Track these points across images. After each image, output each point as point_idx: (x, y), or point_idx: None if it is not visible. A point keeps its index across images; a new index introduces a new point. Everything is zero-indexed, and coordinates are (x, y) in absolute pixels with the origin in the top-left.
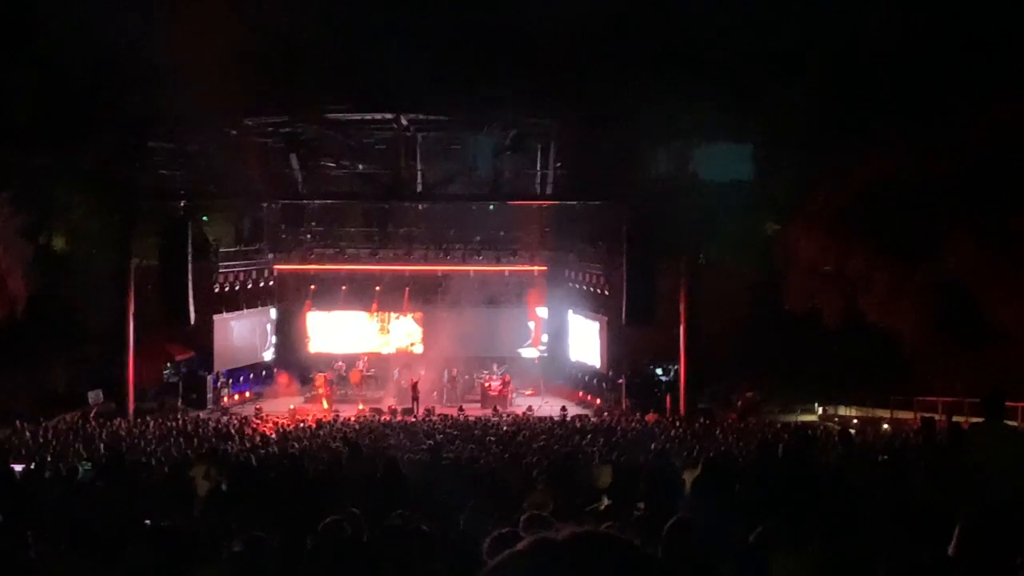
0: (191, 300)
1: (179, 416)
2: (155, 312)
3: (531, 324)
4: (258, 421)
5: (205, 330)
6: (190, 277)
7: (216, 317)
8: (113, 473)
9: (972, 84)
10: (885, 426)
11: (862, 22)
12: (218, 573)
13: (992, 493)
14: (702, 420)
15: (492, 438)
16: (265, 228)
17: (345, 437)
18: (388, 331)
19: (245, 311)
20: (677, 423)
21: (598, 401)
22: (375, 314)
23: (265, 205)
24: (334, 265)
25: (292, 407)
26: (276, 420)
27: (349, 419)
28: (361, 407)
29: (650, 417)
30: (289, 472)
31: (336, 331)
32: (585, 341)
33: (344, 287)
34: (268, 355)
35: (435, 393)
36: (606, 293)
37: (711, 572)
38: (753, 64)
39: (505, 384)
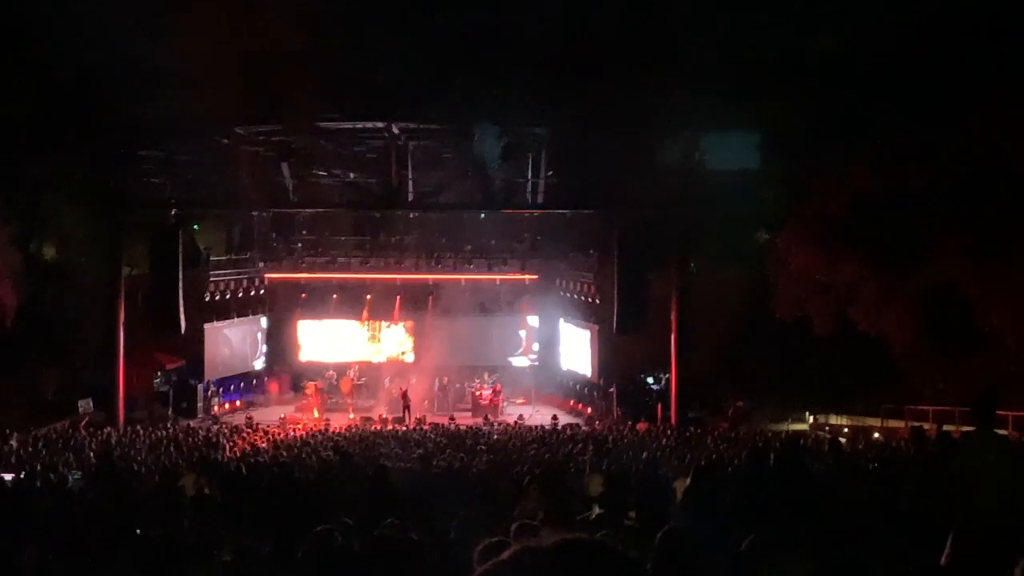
0: (181, 309)
1: (169, 425)
2: (145, 321)
3: (522, 333)
4: (249, 430)
5: (196, 339)
6: (180, 286)
7: (207, 326)
8: (103, 482)
9: (961, 94)
10: (876, 435)
11: (851, 33)
12: None
13: (983, 502)
14: (693, 429)
15: (483, 447)
16: (256, 237)
17: (336, 446)
18: (379, 340)
19: (236, 320)
20: (668, 432)
21: (589, 410)
22: (366, 323)
23: (256, 214)
24: (325, 274)
25: (283, 416)
26: (267, 429)
27: (340, 428)
28: (352, 416)
29: (641, 426)
30: (279, 481)
31: (327, 340)
32: (576, 350)
33: (335, 296)
34: (259, 364)
35: (426, 402)
36: (597, 302)
37: None
38: (744, 75)
39: (496, 393)
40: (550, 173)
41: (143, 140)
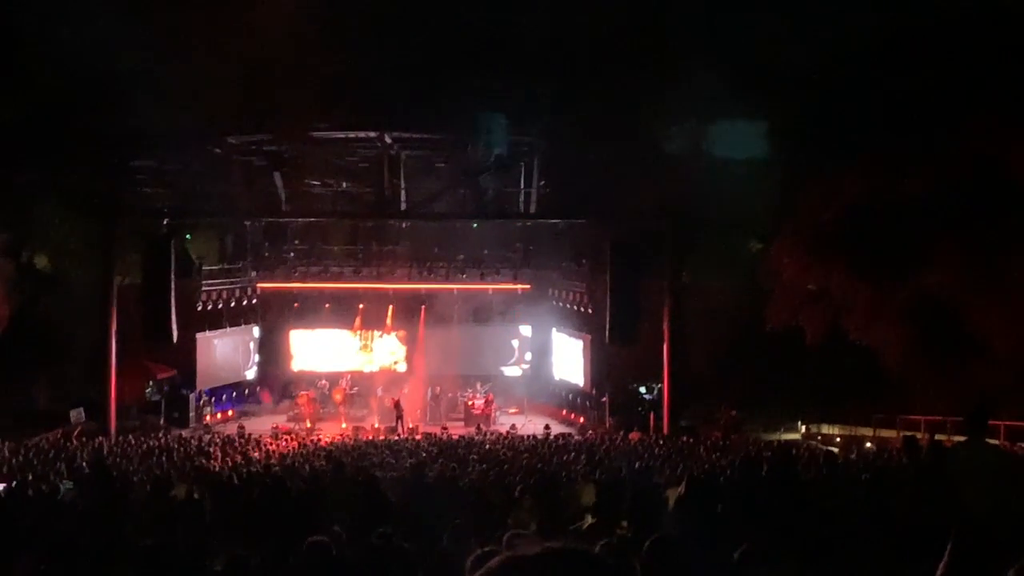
0: (174, 318)
1: (161, 435)
2: (137, 330)
3: (515, 342)
4: (241, 440)
5: (188, 348)
6: (173, 295)
7: (199, 335)
8: (95, 492)
9: (952, 103)
10: (868, 444)
11: (843, 41)
12: None
13: (976, 512)
14: (685, 438)
15: (475, 456)
16: (248, 246)
17: (328, 455)
18: (371, 349)
19: (228, 329)
20: (660, 441)
21: (582, 419)
22: (358, 332)
23: (248, 223)
24: (317, 283)
25: (275, 426)
26: (259, 438)
27: (332, 438)
28: (344, 425)
29: (633, 435)
30: (271, 490)
31: (319, 349)
32: (569, 359)
33: (327, 305)
34: (251, 373)
35: (418, 411)
36: (590, 311)
37: None
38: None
39: (489, 403)
40: (543, 183)
41: (135, 150)
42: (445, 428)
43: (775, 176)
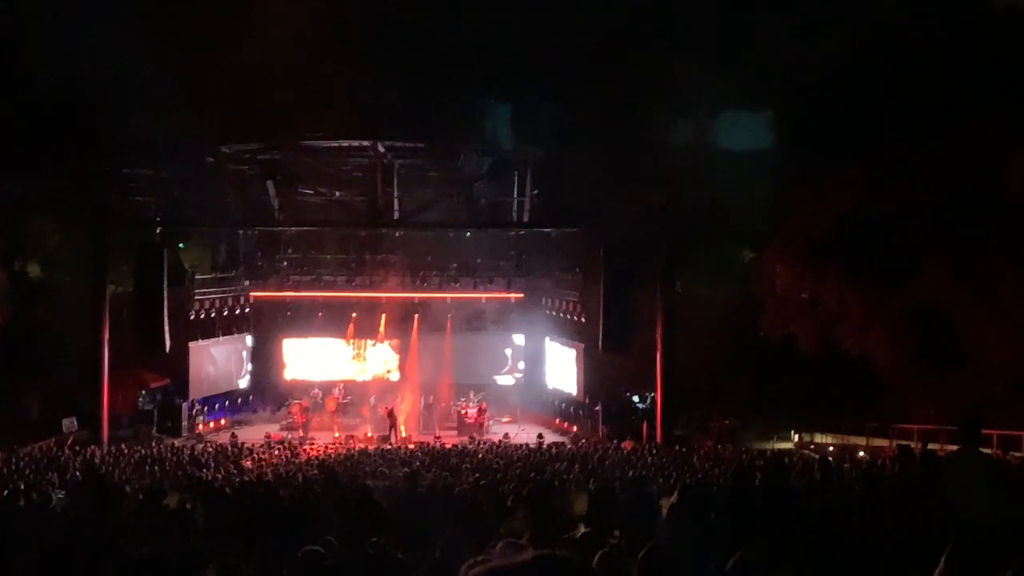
0: (166, 327)
1: (154, 444)
2: (130, 339)
3: (508, 351)
4: (234, 449)
5: (180, 357)
6: (165, 304)
7: (192, 344)
8: (87, 501)
9: (946, 113)
10: (861, 453)
11: (835, 53)
12: None
13: (969, 521)
14: (678, 447)
15: (468, 465)
16: (241, 255)
17: (321, 464)
18: (364, 358)
19: (221, 338)
20: (654, 450)
21: (575, 428)
22: (351, 341)
23: (241, 232)
24: (310, 292)
25: (268, 434)
26: (252, 447)
27: (325, 447)
28: (337, 434)
29: (627, 444)
30: (264, 499)
31: (312, 358)
32: (562, 368)
33: (320, 314)
34: (244, 382)
35: (412, 420)
36: (583, 320)
37: None
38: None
39: (482, 411)
40: (536, 192)
41: (128, 158)
42: (438, 437)
43: (768, 185)
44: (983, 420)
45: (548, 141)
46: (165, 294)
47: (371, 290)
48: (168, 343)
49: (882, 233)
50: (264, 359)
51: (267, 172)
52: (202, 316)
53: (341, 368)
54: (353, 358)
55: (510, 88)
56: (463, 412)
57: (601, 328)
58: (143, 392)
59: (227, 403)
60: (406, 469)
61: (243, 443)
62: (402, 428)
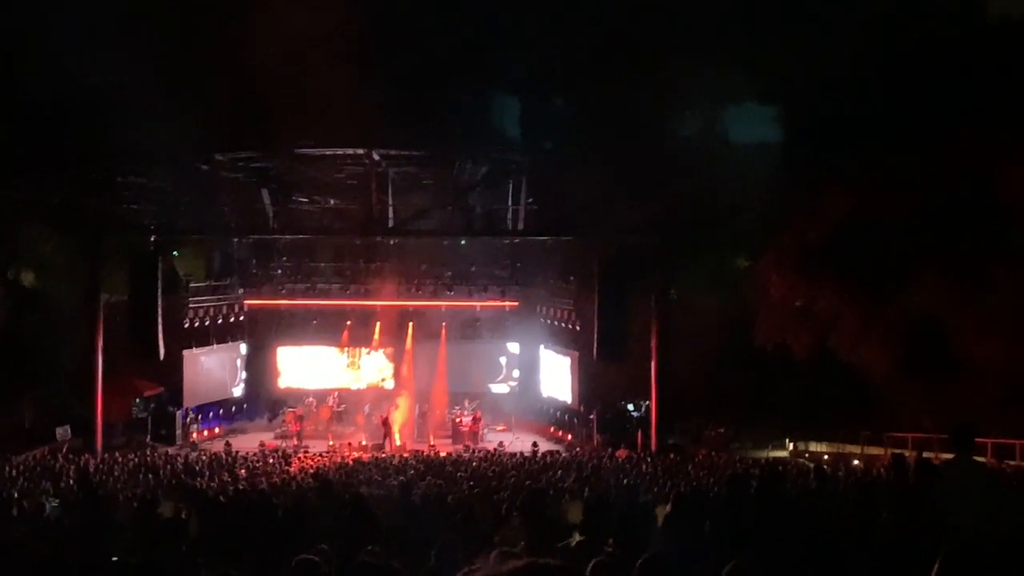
0: (160, 335)
1: (148, 452)
2: (124, 347)
3: (502, 359)
4: (228, 457)
5: (174, 365)
6: (160, 312)
7: (186, 352)
8: (81, 510)
9: (939, 122)
10: (856, 462)
11: (829, 62)
12: None
13: (963, 530)
14: (673, 456)
15: (463, 474)
16: (236, 263)
17: (315, 473)
18: (359, 366)
19: (215, 346)
20: (648, 459)
21: (569, 436)
22: (346, 349)
23: (236, 240)
24: (305, 300)
25: (262, 443)
26: (246, 456)
27: (319, 455)
28: (331, 443)
29: (621, 453)
30: (258, 508)
31: (306, 366)
32: (557, 376)
33: (315, 322)
34: (238, 391)
35: (406, 429)
36: (578, 328)
37: None
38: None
39: (476, 420)
40: (530, 200)
41: (122, 166)
42: (433, 446)
43: (763, 194)
44: (977, 429)
45: (543, 149)
46: (159, 302)
47: (366, 298)
48: (162, 351)
49: (876, 242)
50: (258, 367)
51: (262, 180)
52: (196, 324)
53: (336, 376)
54: (348, 366)
55: (504, 97)
56: (458, 421)
57: (596, 336)
58: (137, 400)
59: (221, 411)
60: (401, 478)
61: (237, 451)
62: (397, 436)
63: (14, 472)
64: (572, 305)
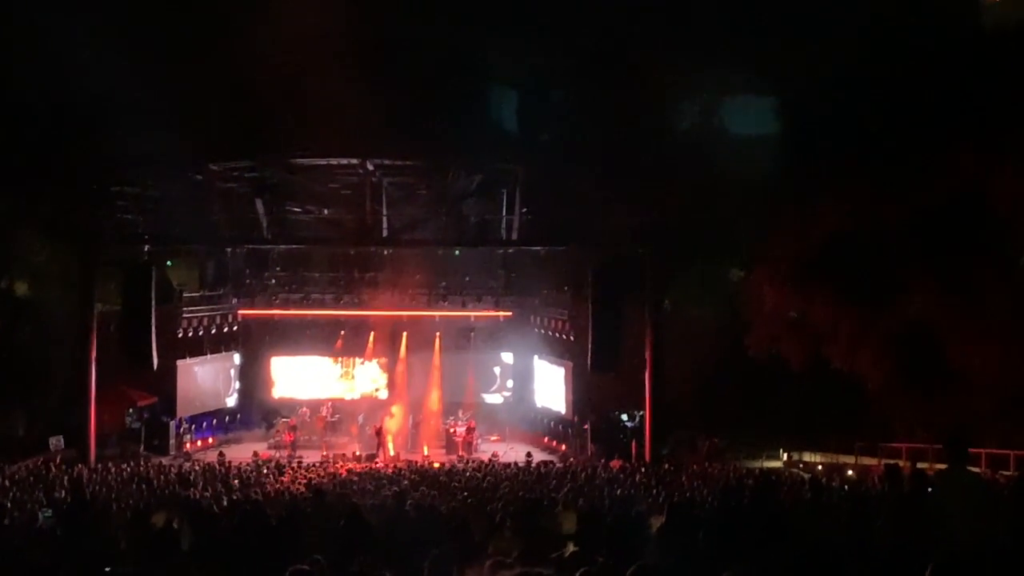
0: (154, 345)
1: (141, 462)
2: (118, 357)
3: (496, 369)
4: (221, 468)
5: (168, 375)
6: (153, 322)
7: (179, 362)
8: (74, 520)
9: (933, 132)
10: (850, 472)
11: (821, 72)
12: None
13: (957, 540)
14: (667, 466)
15: (457, 484)
16: (229, 273)
17: (309, 483)
18: (352, 376)
19: (209, 356)
20: (642, 469)
21: (563, 447)
22: (339, 359)
23: (229, 250)
24: (299, 310)
25: (256, 453)
26: (240, 466)
27: (313, 465)
28: (325, 453)
29: (615, 463)
30: (252, 518)
31: (300, 376)
32: (551, 387)
33: (308, 332)
34: (231, 401)
35: (400, 439)
36: (571, 339)
37: None
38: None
39: (470, 430)
40: (524, 210)
41: (116, 176)
42: (427, 456)
43: (756, 204)
44: (971, 439)
45: (536, 159)
46: (153, 312)
47: (359, 308)
48: (156, 361)
49: (869, 253)
50: (252, 377)
51: (255, 190)
52: (190, 334)
53: (329, 386)
54: (341, 376)
55: (499, 105)
56: (452, 431)
57: (590, 346)
58: (130, 410)
59: (215, 421)
60: (394, 488)
61: (231, 462)
62: (390, 447)
63: (7, 482)
64: (566, 315)
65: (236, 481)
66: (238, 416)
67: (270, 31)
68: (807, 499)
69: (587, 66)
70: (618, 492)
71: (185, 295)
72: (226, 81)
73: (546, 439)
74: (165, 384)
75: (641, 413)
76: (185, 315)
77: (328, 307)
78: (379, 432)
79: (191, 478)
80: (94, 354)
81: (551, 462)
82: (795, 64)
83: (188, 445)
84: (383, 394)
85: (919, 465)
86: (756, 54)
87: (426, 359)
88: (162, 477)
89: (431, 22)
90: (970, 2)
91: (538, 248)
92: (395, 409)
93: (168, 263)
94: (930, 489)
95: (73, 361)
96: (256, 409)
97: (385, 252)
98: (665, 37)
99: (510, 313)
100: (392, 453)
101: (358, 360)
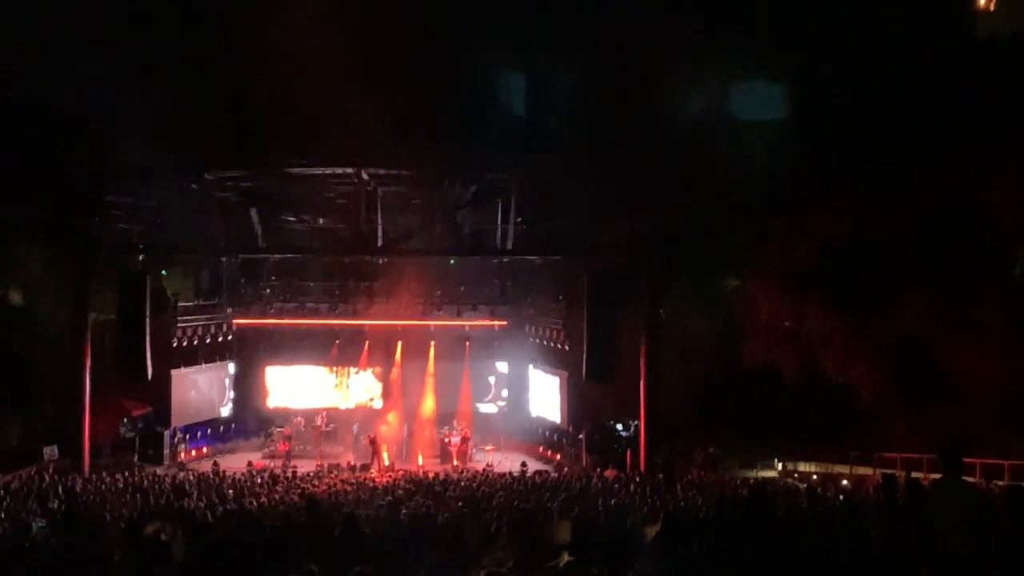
0: (148, 355)
1: (135, 472)
2: (112, 367)
3: (491, 379)
4: (216, 477)
5: (163, 385)
6: (148, 331)
7: (174, 372)
8: (68, 530)
9: (927, 142)
10: (844, 482)
11: (817, 81)
12: None
13: (951, 550)
14: (662, 476)
15: (451, 494)
16: (224, 282)
17: (303, 492)
18: (347, 386)
19: (203, 366)
20: (637, 478)
21: (558, 456)
22: (334, 369)
23: (224, 259)
24: (293, 319)
25: (250, 463)
26: (234, 476)
27: (308, 474)
28: (319, 462)
29: (610, 473)
30: (246, 528)
31: (295, 386)
32: (545, 396)
33: (303, 341)
34: (226, 410)
35: (394, 449)
36: (566, 348)
37: None
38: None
39: (465, 440)
40: (519, 219)
41: (111, 185)
42: (421, 465)
43: (751, 214)
44: (966, 449)
45: (532, 168)
46: (147, 321)
47: (354, 318)
48: (150, 371)
49: (864, 262)
50: (247, 387)
51: (251, 199)
52: (184, 343)
53: (324, 396)
54: (336, 386)
55: (494, 113)
56: (447, 440)
57: (585, 356)
58: (125, 420)
59: (209, 431)
60: (388, 498)
61: (225, 471)
62: (385, 456)
63: (0, 492)
64: (561, 325)
65: (230, 491)
66: (233, 426)
67: (265, 41)
68: (802, 508)
69: (581, 77)
70: (613, 502)
71: (180, 304)
72: (221, 91)
73: (541, 449)
74: (160, 393)
75: (636, 422)
76: (180, 324)
77: (323, 316)
78: (373, 441)
79: (186, 488)
80: (88, 363)
81: (546, 472)
82: (789, 75)
83: (182, 455)
84: (378, 403)
85: (914, 475)
86: (751, 67)
87: (421, 368)
88: (156, 487)
89: (427, 32)
90: (964, 11)
91: (533, 257)
92: (390, 418)
93: (163, 272)
94: (925, 499)
95: (67, 370)
96: (251, 418)
97: (380, 261)
98: (659, 49)
99: (505, 322)
100: (387, 462)
101: (353, 369)
